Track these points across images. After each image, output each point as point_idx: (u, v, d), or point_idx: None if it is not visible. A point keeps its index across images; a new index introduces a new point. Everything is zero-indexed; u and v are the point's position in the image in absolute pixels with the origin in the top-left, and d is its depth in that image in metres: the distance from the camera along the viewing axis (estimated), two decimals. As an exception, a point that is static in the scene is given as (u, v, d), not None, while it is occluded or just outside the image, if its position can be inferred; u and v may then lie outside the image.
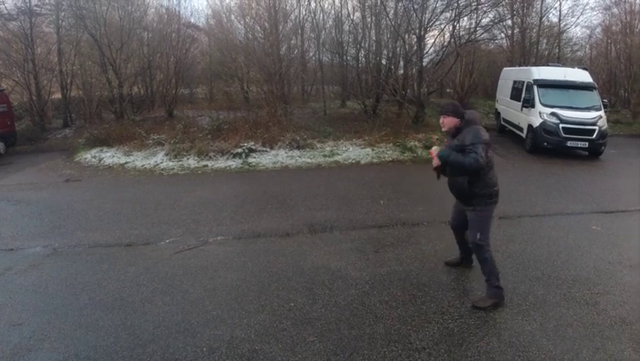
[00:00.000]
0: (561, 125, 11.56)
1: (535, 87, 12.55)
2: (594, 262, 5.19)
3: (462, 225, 4.56)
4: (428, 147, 12.55)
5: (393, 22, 15.86)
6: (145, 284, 4.79)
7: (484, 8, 16.89)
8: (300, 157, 11.79)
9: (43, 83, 18.06)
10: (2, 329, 4.00)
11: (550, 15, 22.93)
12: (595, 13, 26.28)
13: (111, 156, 12.28)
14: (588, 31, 25.06)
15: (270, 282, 4.78)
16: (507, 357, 3.48)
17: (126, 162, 11.73)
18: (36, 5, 17.83)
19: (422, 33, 15.42)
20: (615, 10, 22.37)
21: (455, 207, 4.66)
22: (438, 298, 4.37)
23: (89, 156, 12.62)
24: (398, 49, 16.85)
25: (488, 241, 4.27)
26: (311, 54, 21.98)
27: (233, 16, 20.76)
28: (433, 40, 16.92)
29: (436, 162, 4.29)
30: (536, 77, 12.81)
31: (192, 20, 24.06)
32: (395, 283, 4.72)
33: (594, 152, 11.82)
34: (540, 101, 12.24)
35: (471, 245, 4.41)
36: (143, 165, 11.43)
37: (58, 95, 18.98)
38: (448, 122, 4.23)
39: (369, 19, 17.67)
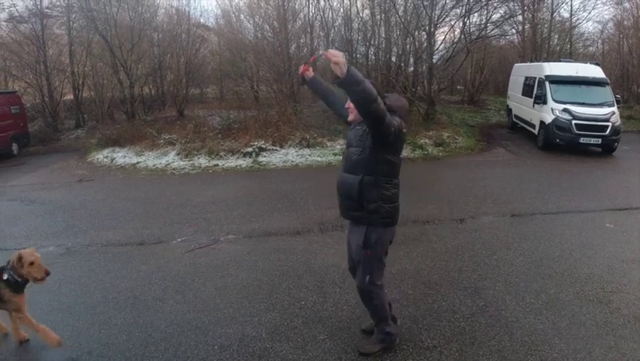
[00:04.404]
0: (574, 122, 11.42)
1: (547, 83, 12.43)
2: (607, 260, 5.13)
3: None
4: (439, 145, 12.50)
5: (402, 19, 15.80)
6: (157, 283, 4.83)
7: (495, 4, 16.79)
8: (310, 156, 11.79)
9: (55, 84, 18.33)
10: (18, 327, 4.05)
11: (562, 10, 22.65)
12: (606, 7, 25.93)
13: (123, 156, 12.39)
14: (600, 26, 24.76)
15: (281, 280, 4.79)
16: (519, 356, 3.45)
17: (138, 162, 11.83)
18: (47, 7, 18.05)
19: (432, 30, 15.33)
20: (627, 5, 22.12)
21: (349, 238, 3.52)
22: (449, 297, 4.34)
23: (101, 156, 12.75)
24: (408, 46, 16.80)
25: (382, 280, 3.36)
26: (320, 52, 21.96)
27: (242, 16, 20.81)
28: (443, 37, 16.84)
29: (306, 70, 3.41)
30: (548, 72, 12.69)
31: (202, 20, 24.17)
32: (406, 281, 4.70)
33: (607, 148, 11.66)
34: (552, 97, 12.11)
35: (357, 289, 3.41)
36: (154, 165, 11.52)
37: (70, 96, 19.23)
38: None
39: (378, 17, 17.60)
